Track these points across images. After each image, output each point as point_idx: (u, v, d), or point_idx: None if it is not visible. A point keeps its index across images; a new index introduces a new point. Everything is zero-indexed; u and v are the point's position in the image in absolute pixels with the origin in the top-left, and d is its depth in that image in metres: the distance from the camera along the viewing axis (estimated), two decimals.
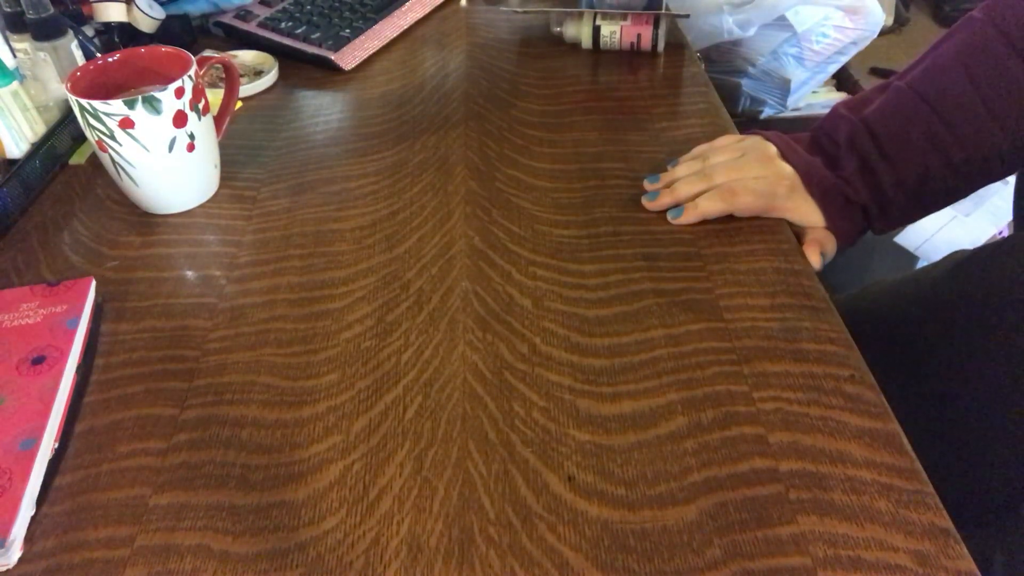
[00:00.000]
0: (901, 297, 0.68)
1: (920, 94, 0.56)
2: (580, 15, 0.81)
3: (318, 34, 0.83)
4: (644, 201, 0.59)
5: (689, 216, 0.57)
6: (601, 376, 0.47)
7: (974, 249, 0.65)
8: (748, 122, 1.28)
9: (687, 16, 0.83)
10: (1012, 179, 1.35)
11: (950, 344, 0.60)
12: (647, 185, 0.60)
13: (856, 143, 0.57)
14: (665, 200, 0.58)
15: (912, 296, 0.67)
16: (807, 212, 0.57)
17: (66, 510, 0.41)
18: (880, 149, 0.56)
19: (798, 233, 0.57)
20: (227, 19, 0.87)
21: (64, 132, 0.68)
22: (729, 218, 0.57)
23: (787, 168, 0.57)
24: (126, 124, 0.55)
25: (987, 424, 0.56)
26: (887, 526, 0.38)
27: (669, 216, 0.57)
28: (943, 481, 0.40)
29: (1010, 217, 1.35)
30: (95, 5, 0.75)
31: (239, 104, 0.75)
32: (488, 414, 0.45)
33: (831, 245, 0.57)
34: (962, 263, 0.63)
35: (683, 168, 0.60)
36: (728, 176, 0.57)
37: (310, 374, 0.48)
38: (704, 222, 0.57)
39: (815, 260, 0.55)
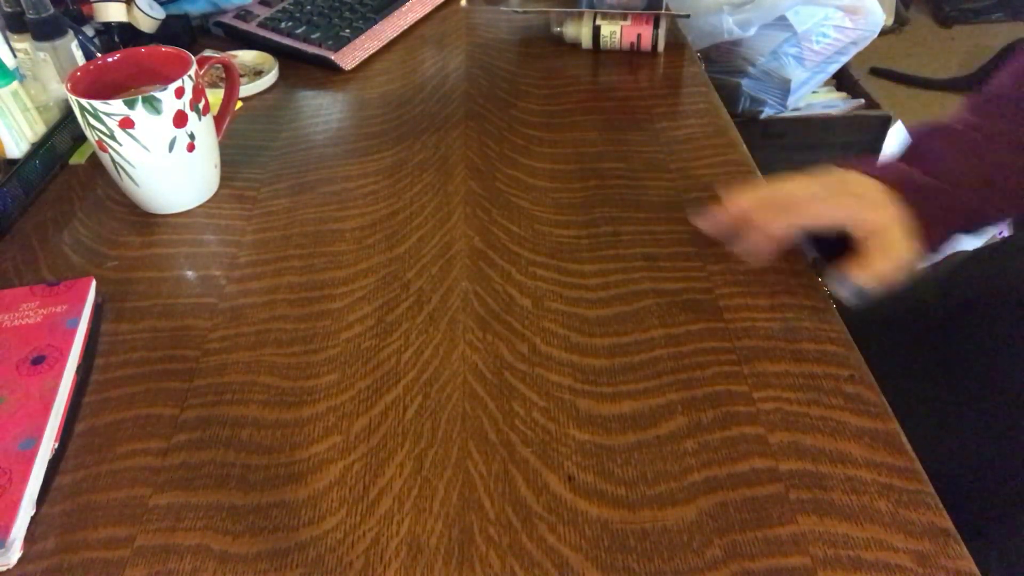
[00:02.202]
0: (900, 299, 0.68)
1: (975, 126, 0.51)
2: (580, 15, 0.81)
3: (318, 34, 0.83)
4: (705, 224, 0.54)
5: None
6: (601, 376, 0.47)
7: (974, 250, 0.65)
8: (748, 122, 1.28)
9: (687, 16, 0.83)
10: None
11: (951, 347, 0.60)
12: (707, 220, 0.55)
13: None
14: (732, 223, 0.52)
15: (912, 298, 0.67)
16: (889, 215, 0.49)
17: (66, 510, 0.41)
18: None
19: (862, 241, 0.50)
20: (227, 19, 0.87)
21: (64, 132, 0.68)
22: None
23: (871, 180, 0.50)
24: (126, 124, 0.55)
25: (988, 429, 0.56)
26: (887, 526, 0.38)
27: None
28: (942, 486, 0.40)
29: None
30: (95, 5, 0.75)
31: (239, 104, 0.75)
32: (488, 414, 0.45)
33: (905, 256, 0.49)
34: (963, 264, 0.63)
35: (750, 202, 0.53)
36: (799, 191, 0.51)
37: (310, 374, 0.48)
38: None
39: (879, 274, 0.48)
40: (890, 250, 0.49)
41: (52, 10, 0.67)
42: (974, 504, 0.54)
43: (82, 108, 0.55)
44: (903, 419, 0.43)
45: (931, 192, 0.49)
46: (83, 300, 0.51)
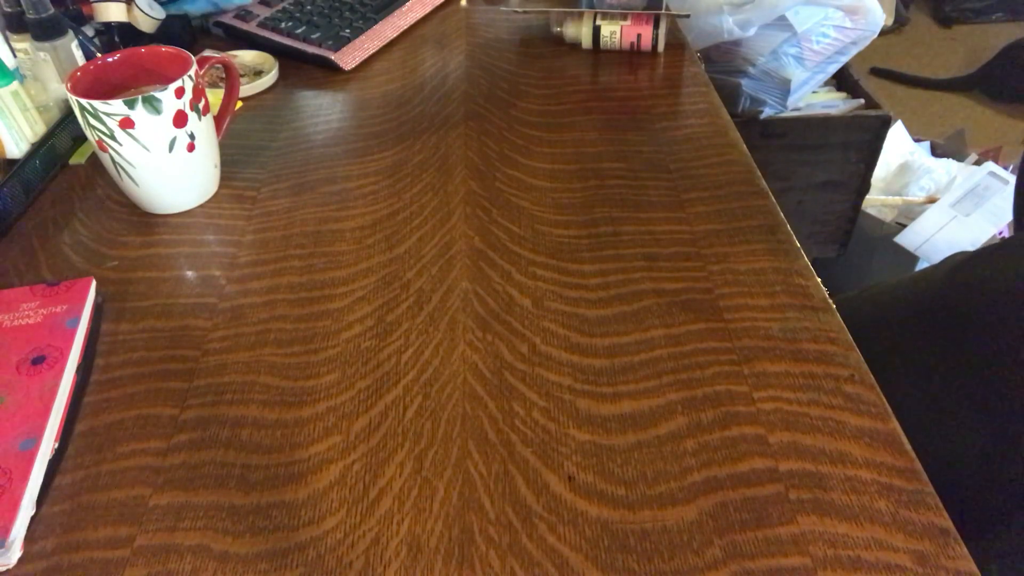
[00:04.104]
0: (901, 299, 0.68)
1: None
2: (580, 15, 0.81)
3: (318, 34, 0.83)
4: None
5: None
6: (601, 376, 0.47)
7: (974, 251, 0.65)
8: (748, 122, 1.28)
9: (687, 16, 0.83)
10: (1012, 179, 1.36)
11: (951, 347, 0.60)
12: None
13: None
14: None
15: (912, 298, 0.67)
16: None
17: (66, 510, 0.41)
18: None
19: None
20: (227, 19, 0.87)
21: (64, 132, 0.68)
22: (729, 218, 0.57)
23: None
24: (126, 124, 0.55)
25: (988, 429, 0.56)
26: (887, 526, 0.38)
27: None
28: (942, 486, 0.40)
29: (1010, 217, 1.36)
30: (95, 5, 0.75)
31: (239, 104, 0.75)
32: (488, 414, 0.45)
33: None
34: (962, 265, 0.63)
35: None
36: None
37: (310, 374, 0.48)
38: (704, 222, 0.57)
39: None
40: None
41: (52, 10, 0.67)
42: (975, 505, 0.54)
43: (82, 108, 0.55)
44: (903, 419, 0.43)
45: None
46: (83, 300, 0.51)
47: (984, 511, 0.55)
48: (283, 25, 0.84)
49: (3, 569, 0.39)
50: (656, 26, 0.78)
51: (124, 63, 0.61)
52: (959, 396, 0.58)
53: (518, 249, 0.56)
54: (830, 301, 0.51)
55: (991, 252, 0.62)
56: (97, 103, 0.54)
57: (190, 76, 0.57)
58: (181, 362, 0.49)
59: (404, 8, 0.89)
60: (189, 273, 0.56)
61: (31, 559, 0.39)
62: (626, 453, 0.42)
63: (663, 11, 0.78)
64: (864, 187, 1.39)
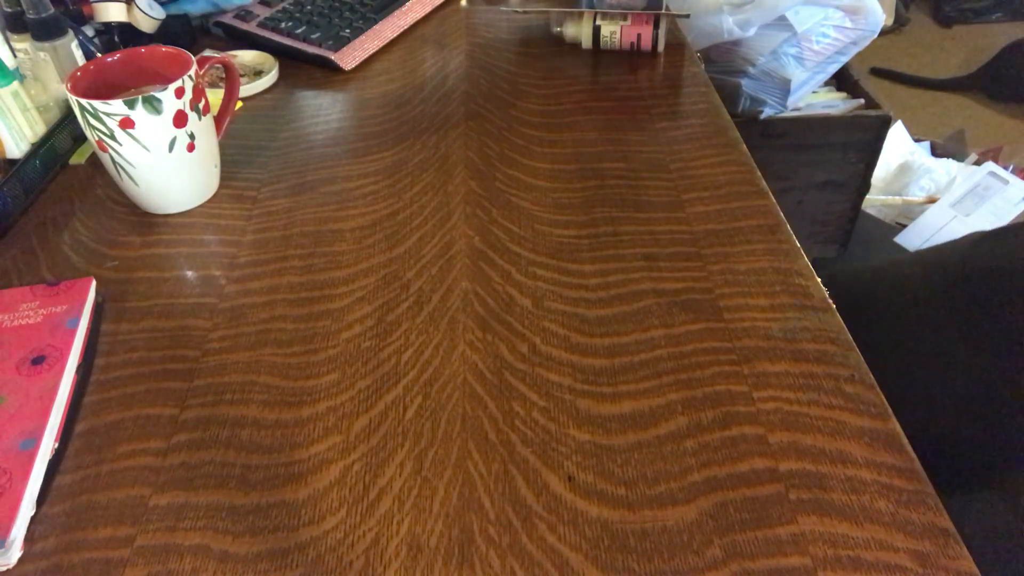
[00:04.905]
0: (917, 275, 0.68)
1: None
2: (580, 15, 0.81)
3: (318, 34, 0.83)
4: None
5: None
6: (601, 376, 0.47)
7: (994, 229, 0.65)
8: (748, 122, 1.28)
9: (687, 16, 0.83)
10: (1012, 179, 1.35)
11: (972, 321, 0.60)
12: None
13: None
14: None
15: (931, 272, 0.66)
16: None
17: (66, 510, 0.41)
18: None
19: None
20: (227, 19, 0.87)
21: (64, 132, 0.68)
22: (729, 218, 0.57)
23: None
24: (126, 124, 0.55)
25: (990, 398, 0.56)
26: (887, 526, 0.38)
27: None
28: (924, 445, 0.40)
29: (1010, 217, 1.36)
30: (95, 5, 0.75)
31: (239, 104, 0.75)
32: (488, 414, 0.45)
33: None
34: (983, 240, 0.63)
35: None
36: None
37: (310, 374, 0.48)
38: (704, 222, 0.57)
39: None
40: None
41: (52, 10, 0.67)
42: (958, 471, 0.54)
43: (82, 108, 0.55)
44: (921, 393, 0.43)
45: None
46: (83, 300, 0.51)
47: (970, 472, 0.55)
48: (283, 25, 0.84)
49: (3, 569, 0.39)
50: (656, 26, 0.78)
51: (124, 63, 0.61)
52: (981, 368, 0.58)
53: (518, 249, 0.56)
54: (830, 301, 0.51)
55: (1014, 229, 0.62)
56: (97, 103, 0.54)
57: (190, 76, 0.57)
58: (181, 362, 0.49)
59: (404, 8, 0.89)
60: (189, 273, 0.56)
61: (31, 559, 0.39)
62: (626, 453, 0.42)
63: (663, 11, 0.78)
64: (864, 187, 1.39)
